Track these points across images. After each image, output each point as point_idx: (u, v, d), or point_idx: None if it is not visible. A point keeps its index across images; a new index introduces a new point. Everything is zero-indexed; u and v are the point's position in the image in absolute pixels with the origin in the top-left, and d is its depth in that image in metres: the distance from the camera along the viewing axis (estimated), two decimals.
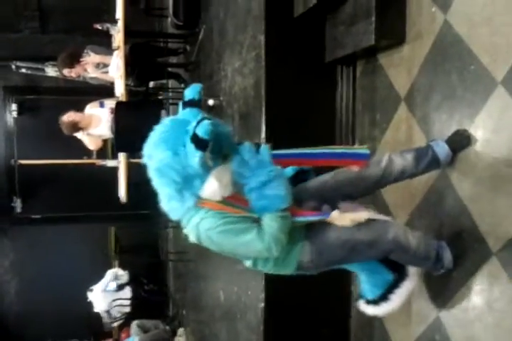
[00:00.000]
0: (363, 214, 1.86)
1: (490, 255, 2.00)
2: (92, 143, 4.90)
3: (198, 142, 1.56)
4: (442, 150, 2.11)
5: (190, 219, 1.74)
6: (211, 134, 1.56)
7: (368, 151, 1.99)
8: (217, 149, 1.66)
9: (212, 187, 1.68)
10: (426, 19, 2.48)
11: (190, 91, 1.74)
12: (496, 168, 2.03)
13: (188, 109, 1.72)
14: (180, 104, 1.75)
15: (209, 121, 1.58)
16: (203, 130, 1.56)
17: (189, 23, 5.06)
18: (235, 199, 1.74)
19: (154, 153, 1.69)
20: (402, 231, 1.96)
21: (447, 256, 2.09)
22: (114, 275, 5.82)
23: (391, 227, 1.92)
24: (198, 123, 1.58)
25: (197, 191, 1.69)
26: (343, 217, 1.83)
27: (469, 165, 2.16)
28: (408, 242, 1.93)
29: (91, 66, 4.79)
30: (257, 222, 1.76)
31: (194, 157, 1.59)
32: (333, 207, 1.92)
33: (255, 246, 1.73)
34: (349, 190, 2.01)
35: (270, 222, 1.73)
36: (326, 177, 2.03)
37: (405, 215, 2.58)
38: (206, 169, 1.66)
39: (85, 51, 4.93)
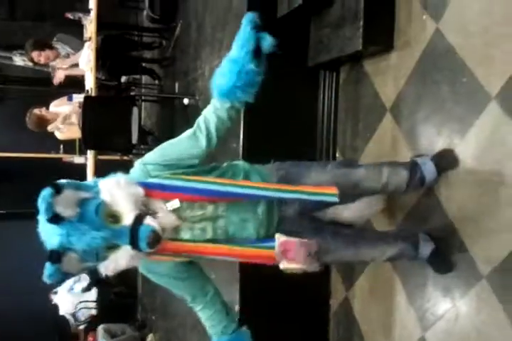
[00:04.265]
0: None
1: (480, 278, 1.92)
2: (70, 131, 4.62)
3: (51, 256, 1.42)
4: (429, 169, 2.03)
5: None
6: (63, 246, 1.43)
7: (336, 198, 1.69)
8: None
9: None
10: (416, 27, 2.38)
11: None
12: (487, 187, 1.94)
13: None
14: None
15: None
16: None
17: (165, 17, 4.89)
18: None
19: None
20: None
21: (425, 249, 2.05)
22: (81, 275, 5.61)
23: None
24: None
25: None
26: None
27: (459, 184, 2.07)
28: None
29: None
30: None
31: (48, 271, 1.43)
32: None
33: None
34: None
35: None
36: None
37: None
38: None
39: (54, 39, 4.75)
